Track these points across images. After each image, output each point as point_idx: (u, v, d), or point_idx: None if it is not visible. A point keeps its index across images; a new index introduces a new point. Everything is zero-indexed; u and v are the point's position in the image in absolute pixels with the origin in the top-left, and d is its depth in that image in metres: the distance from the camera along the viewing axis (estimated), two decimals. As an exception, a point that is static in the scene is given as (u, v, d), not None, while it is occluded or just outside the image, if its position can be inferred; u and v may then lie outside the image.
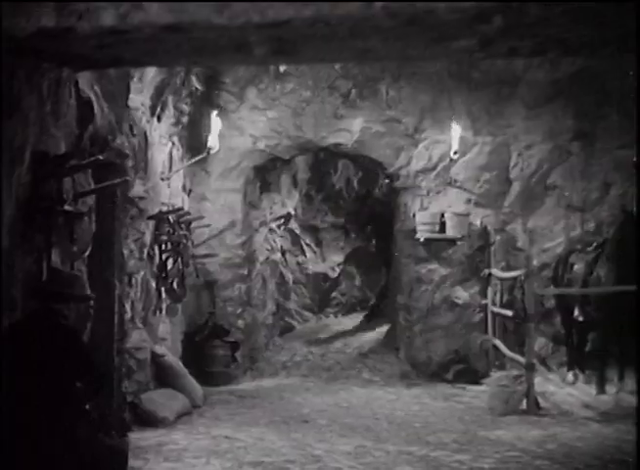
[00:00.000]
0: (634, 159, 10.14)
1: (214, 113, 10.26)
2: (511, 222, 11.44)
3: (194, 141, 10.67)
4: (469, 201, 11.68)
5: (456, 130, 10.90)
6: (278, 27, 4.33)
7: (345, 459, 6.86)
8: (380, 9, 4.08)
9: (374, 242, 15.20)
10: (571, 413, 8.78)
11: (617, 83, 10.97)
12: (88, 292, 5.12)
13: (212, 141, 9.98)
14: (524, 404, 8.82)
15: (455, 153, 11.08)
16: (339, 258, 15.41)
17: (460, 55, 5.69)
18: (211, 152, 10.13)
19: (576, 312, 10.21)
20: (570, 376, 10.49)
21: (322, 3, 4.21)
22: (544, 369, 11.05)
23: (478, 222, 11.35)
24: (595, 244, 10.11)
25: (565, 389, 10.17)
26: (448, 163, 11.38)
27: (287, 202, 12.69)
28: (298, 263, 14.70)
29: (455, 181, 11.55)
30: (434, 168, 11.84)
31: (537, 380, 9.24)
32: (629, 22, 4.80)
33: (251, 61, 6.29)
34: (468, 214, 11.42)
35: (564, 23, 4.65)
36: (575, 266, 9.84)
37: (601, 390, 9.61)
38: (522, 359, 9.33)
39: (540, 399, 9.04)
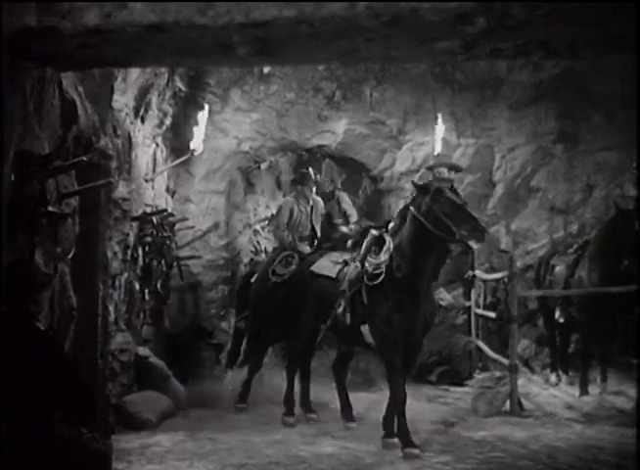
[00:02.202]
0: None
1: (201, 112, 10.24)
2: (494, 224, 11.47)
3: (178, 142, 10.64)
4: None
5: (439, 132, 10.91)
6: (261, 28, 4.35)
7: (329, 460, 6.84)
8: (364, 9, 4.11)
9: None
10: (554, 414, 8.79)
11: (601, 85, 11.04)
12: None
13: (196, 141, 9.97)
14: (507, 406, 8.83)
15: (438, 155, 11.09)
16: (323, 259, 15.33)
17: (443, 56, 5.72)
18: (195, 153, 10.12)
19: (558, 314, 10.26)
20: (553, 377, 10.53)
21: (306, 3, 4.21)
22: (527, 371, 11.09)
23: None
24: (576, 246, 10.15)
25: (548, 390, 10.20)
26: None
27: (271, 203, 12.68)
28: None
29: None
30: (417, 170, 11.84)
31: (520, 381, 9.26)
32: (612, 23, 4.85)
33: (234, 61, 6.28)
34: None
35: (546, 25, 4.69)
36: (557, 268, 9.88)
37: (584, 391, 9.65)
38: (505, 361, 9.35)
39: (523, 401, 9.06)
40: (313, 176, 9.56)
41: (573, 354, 10.70)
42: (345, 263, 7.83)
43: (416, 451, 6.86)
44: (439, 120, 10.56)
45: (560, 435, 7.83)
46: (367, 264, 7.40)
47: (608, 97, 11.03)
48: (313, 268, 8.23)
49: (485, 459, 6.80)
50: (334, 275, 7.88)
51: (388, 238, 7.37)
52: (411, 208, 7.15)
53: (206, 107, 10.40)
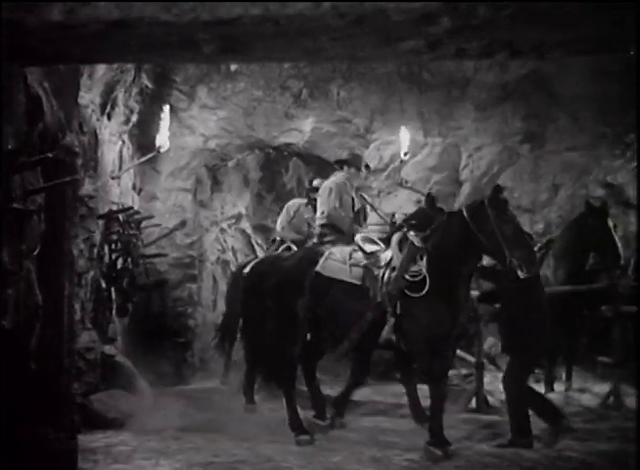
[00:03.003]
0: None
1: (166, 108, 10.19)
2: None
3: (144, 139, 10.56)
4: (419, 202, 11.73)
5: (406, 132, 10.95)
6: (227, 25, 4.35)
7: (296, 459, 6.83)
8: (329, 8, 4.13)
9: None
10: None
11: (566, 86, 11.12)
12: None
13: (162, 139, 9.93)
14: (473, 403, 8.89)
15: (405, 154, 11.13)
16: (290, 258, 15.31)
17: (409, 56, 5.75)
18: (161, 150, 10.07)
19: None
20: (518, 375, 10.62)
21: (271, 2, 4.22)
22: (493, 368, 11.16)
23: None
24: (539, 245, 10.22)
25: (513, 387, 10.28)
26: (399, 163, 11.43)
27: (238, 201, 12.66)
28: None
29: (406, 182, 11.61)
30: (384, 169, 11.91)
31: (487, 379, 9.30)
32: (576, 24, 4.90)
33: (200, 59, 6.26)
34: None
35: (511, 26, 4.73)
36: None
37: (549, 388, 9.73)
38: (471, 359, 9.40)
39: (490, 398, 9.12)
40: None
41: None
42: (367, 267, 7.16)
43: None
44: (403, 130, 10.61)
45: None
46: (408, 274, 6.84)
47: (573, 98, 11.13)
48: (320, 270, 7.36)
49: (451, 456, 6.83)
50: (357, 281, 7.16)
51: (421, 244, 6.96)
52: (466, 214, 6.79)
53: (167, 107, 10.31)
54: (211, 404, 9.28)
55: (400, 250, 7.02)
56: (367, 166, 8.93)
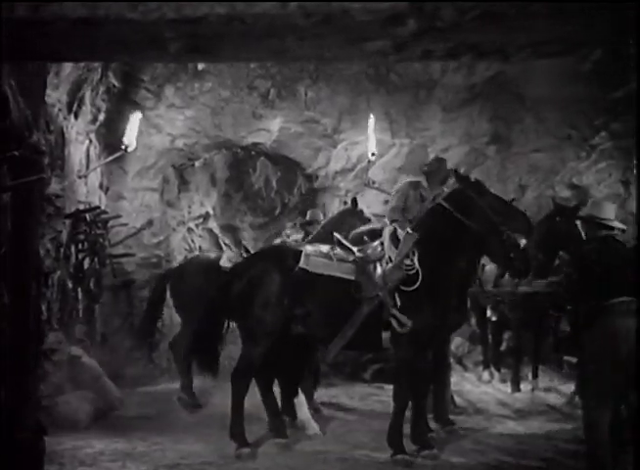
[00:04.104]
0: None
1: (136, 113, 10.14)
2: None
3: (111, 139, 10.51)
4: (386, 202, 11.77)
5: (373, 132, 10.96)
6: (192, 24, 4.34)
7: (263, 460, 6.85)
8: (295, 8, 4.12)
9: (293, 242, 15.15)
10: (486, 411, 8.93)
11: (532, 89, 11.21)
12: None
13: (129, 139, 9.88)
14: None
15: (373, 154, 11.16)
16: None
17: (375, 56, 5.74)
18: (128, 150, 10.02)
19: (489, 312, 10.44)
20: (485, 375, 10.72)
21: (237, 2, 4.22)
22: (460, 368, 11.24)
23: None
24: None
25: (480, 387, 10.39)
26: (366, 164, 11.45)
27: (205, 201, 12.62)
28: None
29: (373, 182, 11.65)
30: (352, 169, 11.96)
31: (454, 379, 9.34)
32: (540, 27, 4.94)
33: (167, 58, 6.24)
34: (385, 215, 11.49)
35: (476, 29, 4.77)
36: (487, 267, 10.02)
37: (516, 388, 9.83)
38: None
39: (456, 398, 9.18)
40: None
41: (506, 352, 10.88)
42: (357, 262, 7.08)
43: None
44: (371, 123, 10.61)
45: (492, 431, 7.96)
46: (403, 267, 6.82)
47: (539, 100, 11.23)
48: (304, 266, 7.18)
49: (419, 455, 6.87)
50: (351, 277, 7.05)
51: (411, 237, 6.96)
52: (445, 204, 6.86)
53: (138, 114, 10.25)
54: (177, 406, 9.25)
55: (392, 243, 7.03)
56: None
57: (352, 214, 9.19)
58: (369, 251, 7.16)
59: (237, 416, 7.10)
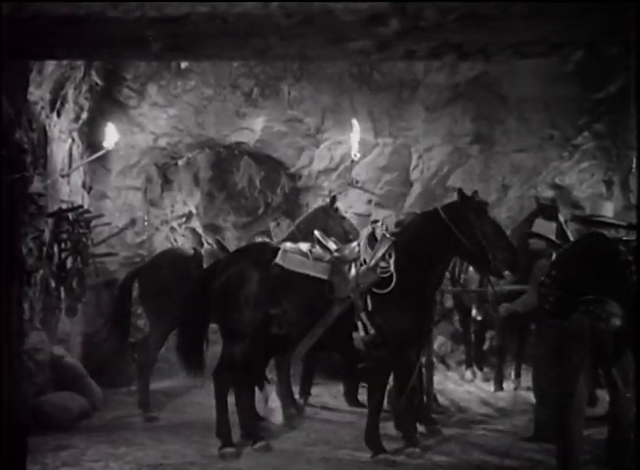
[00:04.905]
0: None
1: (110, 125, 10.09)
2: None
3: (94, 137, 10.45)
4: (370, 202, 11.84)
5: (356, 131, 10.95)
6: (174, 23, 4.33)
7: (245, 459, 6.85)
8: (277, 8, 4.13)
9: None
10: (469, 410, 8.97)
11: (515, 89, 11.25)
12: None
13: (109, 143, 9.87)
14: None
15: (356, 154, 11.14)
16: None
17: (358, 56, 5.74)
18: (111, 148, 9.98)
19: (474, 312, 10.45)
20: (468, 374, 10.74)
21: (219, 2, 4.21)
22: (443, 367, 11.27)
23: (379, 223, 11.45)
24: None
25: (463, 386, 10.41)
26: (350, 163, 11.44)
27: (188, 200, 12.60)
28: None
29: (356, 182, 11.66)
30: (335, 169, 11.95)
31: (436, 378, 9.37)
32: (522, 28, 4.97)
33: (149, 56, 6.24)
34: (369, 215, 11.53)
35: (458, 29, 4.79)
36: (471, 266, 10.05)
37: (498, 387, 9.86)
38: (421, 358, 9.46)
39: (439, 397, 9.21)
40: None
41: (488, 351, 10.92)
42: (332, 262, 7.03)
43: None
44: (355, 126, 10.62)
45: (475, 430, 7.98)
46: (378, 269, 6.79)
47: (522, 100, 11.28)
48: (280, 262, 7.15)
49: (403, 454, 6.89)
50: (325, 276, 7.00)
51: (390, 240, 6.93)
52: (443, 215, 6.78)
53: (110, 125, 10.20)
54: (161, 405, 9.24)
55: (369, 244, 6.96)
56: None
57: (326, 213, 9.16)
58: (346, 251, 7.12)
59: (221, 415, 7.10)
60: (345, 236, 8.75)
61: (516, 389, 9.76)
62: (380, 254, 6.81)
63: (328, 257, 7.10)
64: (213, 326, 7.74)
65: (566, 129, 11.30)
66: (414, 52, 5.18)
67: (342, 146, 11.52)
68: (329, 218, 9.04)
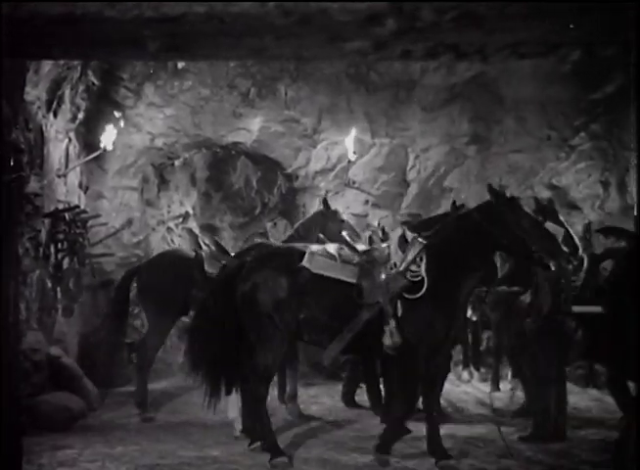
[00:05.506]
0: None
1: (110, 126, 10.09)
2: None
3: (91, 137, 10.44)
4: (367, 202, 11.84)
5: (353, 132, 10.95)
6: (171, 23, 4.33)
7: (242, 459, 6.83)
8: (273, 7, 4.13)
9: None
10: (466, 411, 8.96)
11: (512, 89, 11.26)
12: None
13: (106, 142, 9.86)
14: (420, 404, 8.93)
15: (354, 153, 11.14)
16: (238, 257, 15.25)
17: (354, 56, 5.76)
18: (108, 148, 9.98)
19: (471, 312, 10.44)
20: (465, 374, 10.73)
21: (216, 1, 4.22)
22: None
23: (375, 223, 11.46)
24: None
25: (460, 387, 10.40)
26: (346, 164, 11.44)
27: (185, 200, 12.60)
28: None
29: (353, 182, 11.67)
30: (332, 169, 11.96)
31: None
32: (519, 28, 4.98)
33: (146, 56, 6.23)
34: (366, 215, 11.53)
35: (455, 29, 4.80)
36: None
37: (495, 387, 9.86)
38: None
39: (435, 399, 9.19)
40: None
41: (485, 352, 10.91)
42: (362, 265, 6.73)
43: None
44: (351, 132, 10.63)
45: (471, 431, 7.96)
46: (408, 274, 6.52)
47: (519, 101, 11.29)
48: (307, 265, 6.78)
49: (398, 454, 6.87)
50: (353, 280, 6.70)
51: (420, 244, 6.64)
52: (478, 217, 6.58)
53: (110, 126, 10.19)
54: (157, 405, 9.23)
55: (400, 247, 6.73)
56: None
57: (324, 216, 9.14)
58: (376, 253, 6.85)
59: (265, 426, 6.80)
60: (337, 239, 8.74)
61: (512, 389, 9.75)
62: (411, 257, 6.56)
63: (356, 259, 6.81)
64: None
65: (562, 130, 11.32)
66: (411, 52, 5.18)
67: (338, 146, 11.51)
68: (328, 222, 9.03)
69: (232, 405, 7.76)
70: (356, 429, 8.08)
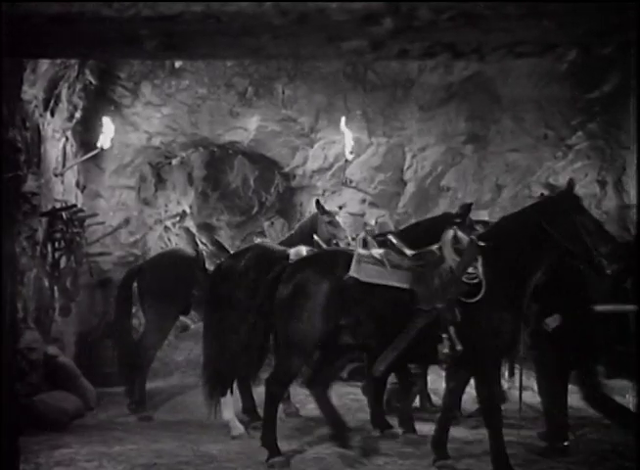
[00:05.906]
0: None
1: (107, 118, 10.08)
2: (405, 223, 11.55)
3: (88, 136, 10.44)
4: (364, 201, 11.84)
5: (350, 131, 10.96)
6: (168, 22, 4.33)
7: (240, 459, 6.83)
8: (271, 7, 4.13)
9: (269, 242, 15.12)
10: (463, 409, 8.96)
11: (509, 88, 11.27)
12: None
13: (104, 141, 9.85)
14: (417, 402, 8.94)
15: (351, 152, 11.14)
16: (235, 257, 15.25)
17: (352, 55, 5.74)
18: (105, 147, 9.98)
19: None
20: (462, 373, 10.73)
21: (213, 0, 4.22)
22: (437, 367, 11.24)
23: (372, 222, 11.46)
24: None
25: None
26: (344, 163, 11.43)
27: (182, 199, 12.60)
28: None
29: (350, 181, 11.66)
30: (329, 168, 11.95)
31: (430, 377, 9.36)
32: (516, 28, 4.98)
33: (143, 55, 6.24)
34: (363, 215, 11.54)
35: (452, 29, 4.80)
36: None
37: (495, 387, 9.85)
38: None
39: (433, 397, 9.20)
40: None
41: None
42: (414, 270, 6.43)
43: None
44: (342, 124, 10.62)
45: (468, 429, 7.98)
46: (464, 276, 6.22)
47: (516, 100, 11.29)
48: (355, 275, 6.46)
49: (396, 454, 6.89)
50: (405, 286, 6.38)
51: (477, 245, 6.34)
52: (537, 216, 6.30)
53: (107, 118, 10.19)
54: (155, 405, 9.23)
55: (454, 250, 6.41)
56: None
57: (318, 218, 9.15)
58: (427, 256, 6.54)
59: (269, 424, 6.69)
60: (329, 241, 8.80)
61: (509, 388, 9.76)
62: (467, 260, 6.25)
63: (406, 263, 6.52)
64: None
65: (560, 129, 11.33)
66: (408, 51, 5.18)
67: (335, 145, 11.52)
68: (321, 224, 9.06)
69: (227, 407, 7.77)
70: (353, 427, 8.08)
